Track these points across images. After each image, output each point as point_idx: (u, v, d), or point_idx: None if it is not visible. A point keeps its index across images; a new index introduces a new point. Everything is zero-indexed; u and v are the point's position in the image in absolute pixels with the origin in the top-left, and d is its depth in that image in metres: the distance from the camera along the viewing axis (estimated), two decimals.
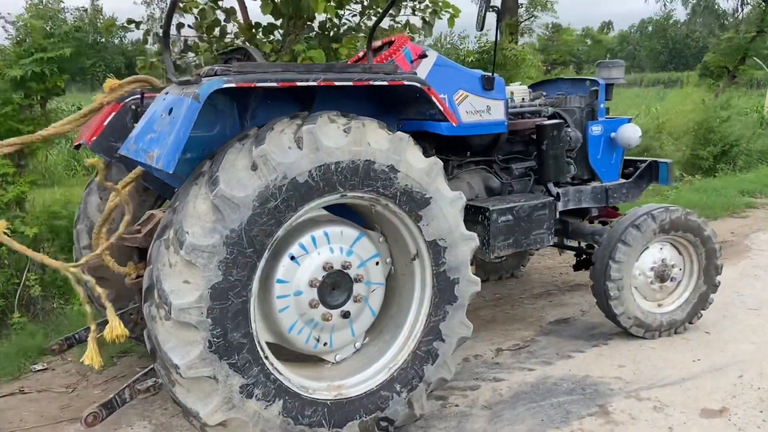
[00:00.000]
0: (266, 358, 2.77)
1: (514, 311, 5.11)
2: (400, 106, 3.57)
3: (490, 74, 4.09)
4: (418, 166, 3.03)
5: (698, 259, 4.47)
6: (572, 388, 3.78)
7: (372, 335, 3.31)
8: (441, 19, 8.58)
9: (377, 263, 3.16)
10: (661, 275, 4.38)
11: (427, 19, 8.24)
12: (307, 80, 2.80)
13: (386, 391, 3.09)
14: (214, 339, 2.57)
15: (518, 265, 5.99)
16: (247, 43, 7.71)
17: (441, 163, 3.13)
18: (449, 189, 3.17)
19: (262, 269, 2.72)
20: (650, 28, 72.42)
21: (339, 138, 2.80)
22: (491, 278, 5.82)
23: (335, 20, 8.09)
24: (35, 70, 5.24)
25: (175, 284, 2.52)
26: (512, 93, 4.79)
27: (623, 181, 4.86)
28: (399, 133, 3.00)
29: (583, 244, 5.00)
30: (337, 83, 2.89)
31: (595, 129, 4.68)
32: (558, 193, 4.44)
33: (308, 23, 7.65)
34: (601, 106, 4.71)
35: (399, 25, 7.85)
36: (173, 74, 2.86)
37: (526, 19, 9.94)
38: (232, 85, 2.62)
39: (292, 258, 2.91)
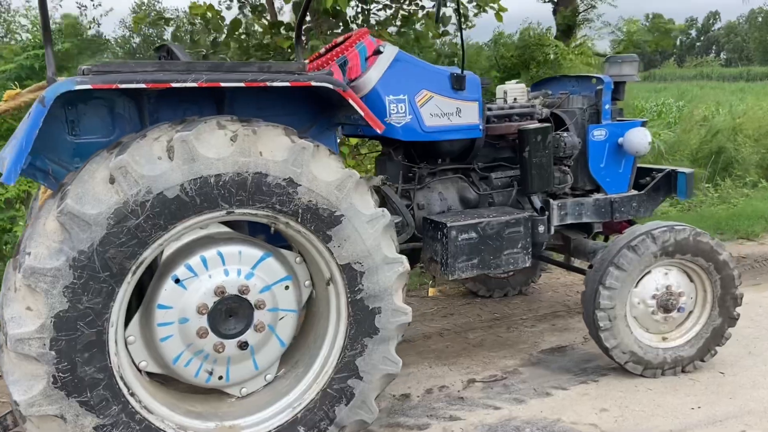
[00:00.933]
0: (132, 394, 2.46)
1: (507, 335, 4.59)
2: (335, 109, 3.17)
3: (460, 72, 3.62)
4: (325, 180, 2.63)
5: (712, 287, 3.81)
6: None
7: (287, 366, 2.95)
8: (486, 12, 8.08)
9: (287, 287, 2.79)
10: (666, 305, 3.75)
11: (461, 11, 7.75)
12: (185, 81, 2.46)
13: None
14: (60, 374, 2.29)
15: (527, 281, 5.43)
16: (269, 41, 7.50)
17: (356, 175, 2.72)
18: (369, 205, 2.75)
19: (127, 294, 2.42)
20: (760, 19, 68.08)
21: (222, 147, 2.45)
22: (495, 295, 5.30)
23: (359, 14, 7.77)
24: (25, 63, 5.22)
25: (17, 311, 2.25)
26: (505, 92, 4.30)
27: (634, 193, 4.24)
28: (302, 141, 2.61)
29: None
30: (223, 84, 2.54)
31: (598, 133, 4.10)
32: (542, 207, 3.90)
33: (332, 18, 7.36)
34: (606, 107, 4.12)
35: (418, 15, 7.40)
36: (54, 73, 2.60)
37: (584, 10, 9.10)
38: (87, 86, 2.32)
39: (177, 281, 2.58)
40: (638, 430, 3.29)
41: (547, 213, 3.96)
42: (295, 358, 2.95)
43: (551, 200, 4.07)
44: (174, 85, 2.44)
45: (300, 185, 2.58)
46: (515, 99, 4.22)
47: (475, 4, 7.84)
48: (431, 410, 3.52)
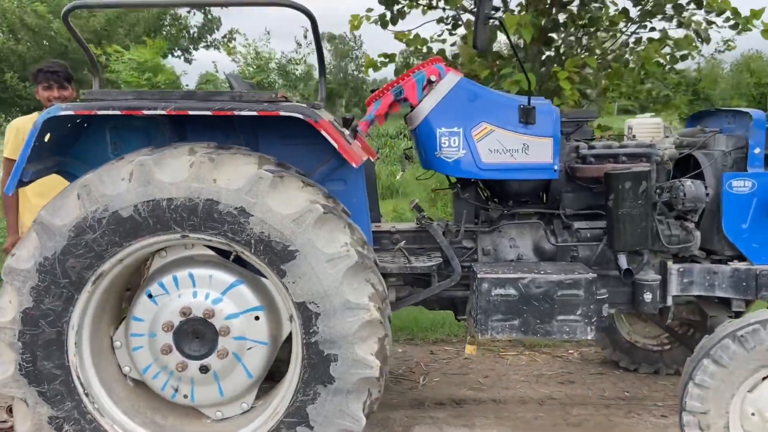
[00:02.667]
0: (86, 394, 2.67)
1: (621, 420, 3.76)
2: None
3: (526, 103, 3.14)
4: (281, 212, 2.53)
5: None
6: None
7: (265, 398, 2.88)
8: (750, 30, 6.90)
9: (257, 317, 2.74)
10: None
11: (700, 33, 6.73)
12: (155, 108, 2.60)
13: None
14: (24, 363, 2.60)
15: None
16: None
17: (319, 211, 2.54)
18: (332, 243, 2.56)
19: (89, 302, 2.64)
20: None
21: (178, 173, 2.53)
22: (641, 370, 4.37)
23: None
24: None
25: (2, 302, 2.63)
26: (630, 128, 3.60)
27: None
28: (262, 171, 2.54)
29: None
30: (191, 112, 2.61)
31: (738, 184, 3.15)
32: (627, 270, 3.13)
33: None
34: (756, 150, 3.15)
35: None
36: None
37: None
38: (70, 112, 2.61)
39: (150, 296, 2.73)
40: None
41: (659, 279, 3.19)
42: (272, 393, 2.86)
43: (670, 263, 3.27)
44: (145, 112, 2.61)
45: (252, 215, 2.52)
46: (634, 136, 3.49)
47: (732, 22, 6.66)
48: None
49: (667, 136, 3.56)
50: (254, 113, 2.62)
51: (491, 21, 2.93)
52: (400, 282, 3.35)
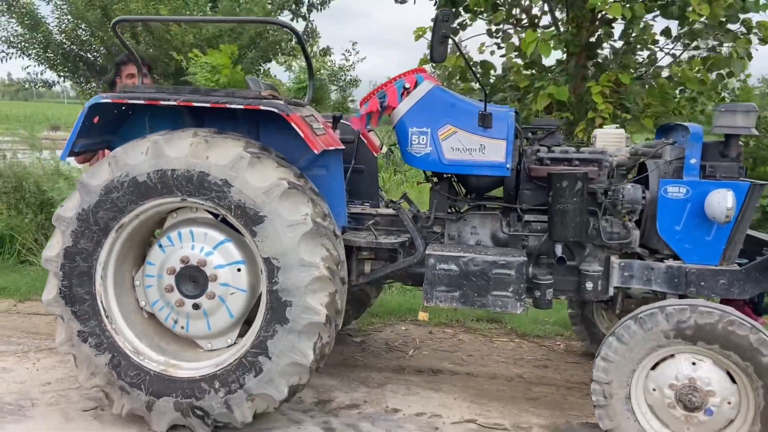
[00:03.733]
0: (107, 317, 3.46)
1: (576, 400, 4.14)
2: None
3: (485, 110, 3.65)
4: (255, 185, 3.21)
5: (754, 394, 2.95)
6: None
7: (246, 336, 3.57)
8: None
9: (239, 269, 3.43)
10: (686, 400, 3.06)
11: (738, 52, 6.86)
12: (168, 99, 3.37)
13: (206, 384, 3.36)
14: (63, 288, 3.43)
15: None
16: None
17: (285, 186, 3.20)
18: (294, 212, 3.21)
19: (113, 246, 3.43)
20: None
21: (181, 150, 3.27)
22: None
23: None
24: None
25: (52, 241, 3.48)
26: (594, 137, 4.02)
27: (725, 268, 3.46)
28: (243, 152, 3.24)
29: None
30: (195, 104, 3.36)
31: (673, 190, 3.50)
32: (561, 258, 3.57)
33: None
34: (692, 161, 3.49)
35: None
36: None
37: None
38: (108, 100, 3.42)
39: (160, 246, 3.50)
40: None
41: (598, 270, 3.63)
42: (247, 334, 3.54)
43: (614, 258, 3.67)
44: (162, 103, 3.38)
45: (233, 186, 3.22)
46: (598, 144, 3.90)
47: (755, 35, 6.74)
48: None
49: (628, 146, 3.94)
50: (240, 107, 3.32)
51: (447, 38, 3.46)
52: (372, 256, 3.95)
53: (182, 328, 3.53)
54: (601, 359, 3.21)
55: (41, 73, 13.88)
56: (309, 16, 17.74)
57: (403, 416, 3.80)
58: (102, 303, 3.47)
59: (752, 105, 3.47)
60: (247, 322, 3.56)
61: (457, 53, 7.44)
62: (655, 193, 3.58)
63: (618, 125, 5.56)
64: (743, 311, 3.48)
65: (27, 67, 13.61)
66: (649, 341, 3.11)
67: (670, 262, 3.56)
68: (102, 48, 12.62)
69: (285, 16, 16.01)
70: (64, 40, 12.76)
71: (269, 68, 13.47)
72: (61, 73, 13.94)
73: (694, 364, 3.08)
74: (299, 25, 15.33)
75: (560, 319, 5.44)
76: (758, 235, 3.77)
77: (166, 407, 3.39)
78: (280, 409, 3.62)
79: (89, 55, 13.69)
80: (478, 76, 8.17)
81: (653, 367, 3.18)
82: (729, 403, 3.02)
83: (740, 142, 3.53)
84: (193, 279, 3.45)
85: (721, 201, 3.28)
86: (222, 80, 6.80)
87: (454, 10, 7.50)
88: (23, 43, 12.78)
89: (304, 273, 3.20)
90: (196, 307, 3.44)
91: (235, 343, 3.57)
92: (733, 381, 3.04)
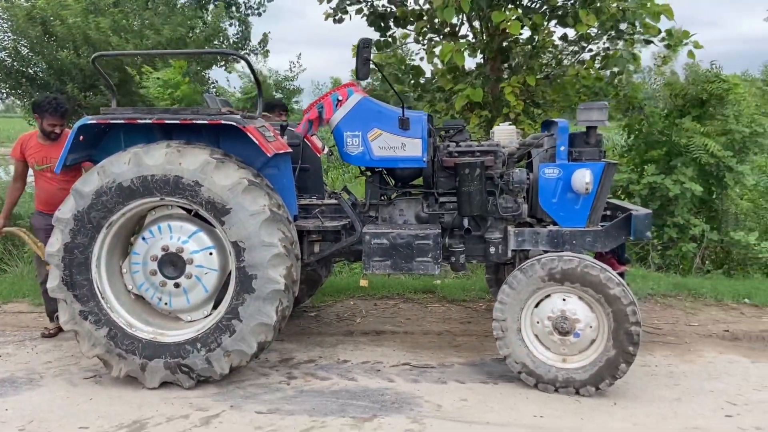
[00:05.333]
0: (103, 298, 4.23)
1: (490, 344, 5.11)
2: None
3: (405, 116, 4.55)
4: (221, 183, 4.03)
5: (606, 319, 3.96)
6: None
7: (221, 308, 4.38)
8: (676, 51, 8.14)
9: (211, 253, 4.25)
10: (560, 327, 4.05)
11: (633, 51, 7.96)
12: (144, 119, 4.16)
13: (190, 345, 4.17)
14: (65, 276, 4.18)
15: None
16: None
17: (245, 183, 4.04)
18: (254, 204, 4.04)
19: (104, 240, 4.20)
20: None
21: (158, 158, 4.07)
22: None
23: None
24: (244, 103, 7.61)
25: (53, 239, 4.22)
26: (492, 132, 4.98)
27: (590, 228, 4.46)
28: (209, 158, 4.06)
29: None
30: (167, 121, 4.16)
31: (549, 171, 4.47)
32: (467, 229, 4.54)
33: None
34: (562, 148, 4.47)
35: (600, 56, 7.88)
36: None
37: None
38: (93, 121, 4.19)
39: (143, 238, 4.29)
40: (462, 415, 3.82)
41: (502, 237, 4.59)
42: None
43: (510, 227, 4.63)
44: (139, 122, 4.17)
45: (203, 186, 4.04)
46: (485, 138, 4.87)
47: (666, 42, 7.81)
48: (358, 374, 4.52)
49: (518, 139, 4.92)
50: (205, 122, 4.15)
51: (369, 61, 4.35)
52: (320, 239, 4.82)
53: (166, 304, 4.32)
54: (498, 302, 4.17)
55: None
56: (248, 20, 18.46)
57: (352, 365, 4.69)
58: (98, 287, 4.24)
59: (604, 103, 4.49)
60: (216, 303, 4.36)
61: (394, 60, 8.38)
62: (536, 174, 4.55)
63: (510, 122, 6.54)
64: (609, 262, 4.53)
65: None
66: (530, 285, 4.09)
67: (551, 227, 4.54)
68: (43, 63, 13.08)
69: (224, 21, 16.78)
70: (6, 57, 13.14)
71: (209, 75, 14.18)
72: (4, 90, 14.32)
73: (564, 300, 4.07)
74: (233, 29, 16.08)
75: (483, 286, 6.42)
76: (618, 203, 4.81)
77: (157, 367, 4.19)
78: (251, 365, 4.48)
79: (30, 71, 14.11)
80: (410, 81, 9.15)
81: (537, 305, 4.16)
82: (591, 327, 4.02)
83: (598, 132, 4.53)
84: (173, 263, 4.25)
85: (582, 178, 4.28)
86: (177, 94, 7.53)
87: (383, 24, 8.44)
88: None
89: (265, 251, 4.05)
90: (176, 285, 4.25)
91: (210, 314, 4.38)
92: (592, 310, 4.04)
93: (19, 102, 16.12)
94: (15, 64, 13.67)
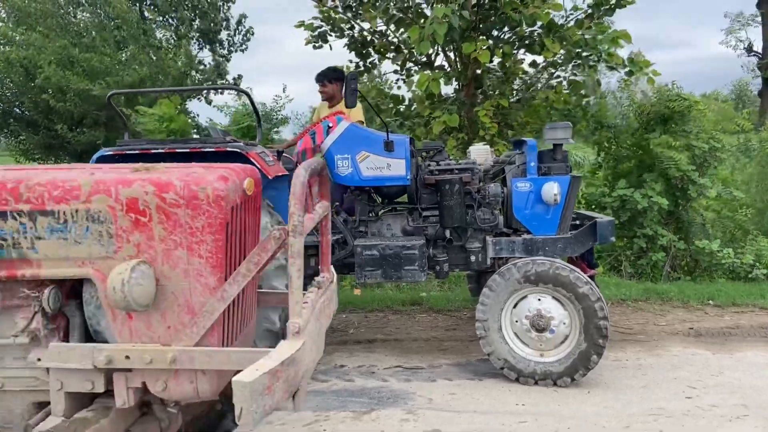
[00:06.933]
0: None
1: (475, 346, 5.56)
2: None
3: (390, 140, 5.05)
4: None
5: (578, 315, 4.43)
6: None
7: None
8: (635, 75, 8.73)
9: None
10: (536, 325, 4.51)
11: (597, 78, 8.58)
12: (157, 149, 4.62)
13: None
14: None
15: None
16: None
17: None
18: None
19: None
20: None
21: None
22: None
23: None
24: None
25: None
26: (469, 152, 5.49)
27: (560, 236, 4.96)
28: None
29: None
30: (178, 150, 4.62)
31: (522, 185, 4.97)
32: (449, 239, 5.01)
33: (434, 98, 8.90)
34: (532, 164, 4.98)
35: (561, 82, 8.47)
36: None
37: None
38: (110, 152, 4.63)
39: None
40: (451, 406, 4.25)
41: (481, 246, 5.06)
42: None
43: (489, 237, 5.11)
44: (152, 151, 4.62)
45: None
46: (470, 157, 5.38)
47: (627, 69, 8.43)
48: (355, 376, 4.94)
49: (492, 157, 5.44)
50: (213, 149, 4.61)
51: (356, 91, 4.86)
52: (315, 253, 5.26)
53: None
54: (480, 304, 4.63)
55: None
56: (229, 56, 19.19)
57: (349, 368, 5.11)
58: None
59: (567, 123, 5.03)
60: None
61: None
62: (510, 188, 5.06)
63: (486, 143, 7.08)
64: (580, 266, 5.02)
65: None
66: (508, 287, 4.56)
67: (525, 236, 5.03)
68: (29, 104, 13.57)
69: (205, 55, 17.57)
70: None
71: (188, 105, 14.81)
72: None
73: (539, 300, 4.54)
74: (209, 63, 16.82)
75: (466, 297, 6.88)
76: (585, 213, 5.33)
77: None
78: None
79: (17, 110, 14.59)
80: (391, 108, 9.71)
81: (515, 306, 4.63)
82: (564, 323, 4.50)
83: (564, 149, 5.06)
84: None
85: (550, 190, 4.79)
86: (172, 126, 8.03)
87: (364, 51, 9.03)
88: None
89: (271, 263, 4.48)
90: None
91: None
92: (565, 308, 4.51)
93: (5, 141, 16.57)
94: (1, 105, 14.15)
